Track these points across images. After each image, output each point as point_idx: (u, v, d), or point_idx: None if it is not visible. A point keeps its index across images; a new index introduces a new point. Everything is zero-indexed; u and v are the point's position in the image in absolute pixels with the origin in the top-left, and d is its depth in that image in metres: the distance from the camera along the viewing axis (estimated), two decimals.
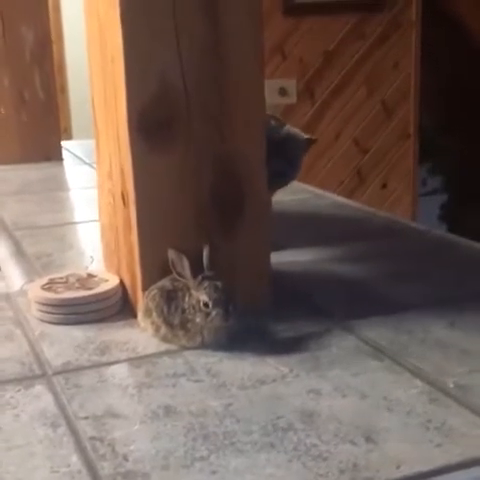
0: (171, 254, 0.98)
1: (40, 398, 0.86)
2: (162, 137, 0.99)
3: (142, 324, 1.02)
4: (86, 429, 0.79)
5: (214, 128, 1.01)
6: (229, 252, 1.04)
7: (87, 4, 1.10)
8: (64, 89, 4.54)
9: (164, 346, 0.98)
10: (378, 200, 3.53)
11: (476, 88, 3.69)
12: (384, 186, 3.61)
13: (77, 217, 1.71)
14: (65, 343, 1.01)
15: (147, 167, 1.00)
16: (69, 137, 4.28)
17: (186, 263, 0.96)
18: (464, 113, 3.75)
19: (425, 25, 3.46)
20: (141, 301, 1.03)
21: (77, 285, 1.12)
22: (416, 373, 0.89)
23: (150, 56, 0.96)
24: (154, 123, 0.98)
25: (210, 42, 0.98)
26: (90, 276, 1.15)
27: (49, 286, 1.12)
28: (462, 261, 1.31)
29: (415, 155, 3.62)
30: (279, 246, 1.26)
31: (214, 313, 0.94)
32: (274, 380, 0.89)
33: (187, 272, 0.96)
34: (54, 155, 2.30)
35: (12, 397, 0.87)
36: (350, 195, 3.37)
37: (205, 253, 0.98)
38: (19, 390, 0.88)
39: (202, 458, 0.74)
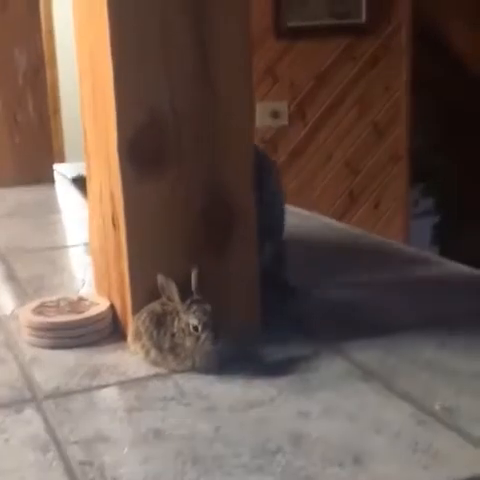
0: (160, 279, 0.98)
1: (30, 423, 0.87)
2: (152, 165, 1.00)
3: (132, 347, 1.03)
4: (76, 453, 0.80)
5: (204, 155, 1.02)
6: (218, 275, 1.05)
7: (78, 33, 1.11)
8: (57, 110, 4.56)
9: (154, 369, 0.99)
10: (370, 221, 3.54)
11: (468, 109, 3.72)
12: (376, 207, 3.62)
13: (69, 240, 1.72)
14: (55, 367, 1.01)
15: (137, 193, 1.01)
16: (62, 158, 4.29)
17: (174, 287, 0.97)
18: (456, 134, 3.77)
19: (416, 47, 3.50)
20: (131, 325, 1.03)
21: (68, 309, 1.12)
22: (404, 396, 0.90)
23: (140, 85, 0.97)
24: (144, 151, 0.99)
25: (199, 71, 0.99)
26: (81, 300, 1.15)
27: (40, 310, 1.12)
28: (451, 282, 1.31)
29: (407, 176, 3.64)
30: None
31: (203, 336, 0.95)
32: (263, 403, 0.89)
33: (176, 296, 0.97)
34: (46, 178, 2.31)
35: (2, 422, 0.87)
36: (342, 216, 3.39)
37: (193, 276, 0.98)
38: (9, 415, 0.89)
39: None
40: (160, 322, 0.98)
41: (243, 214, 1.05)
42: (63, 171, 2.46)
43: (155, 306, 1.00)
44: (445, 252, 2.77)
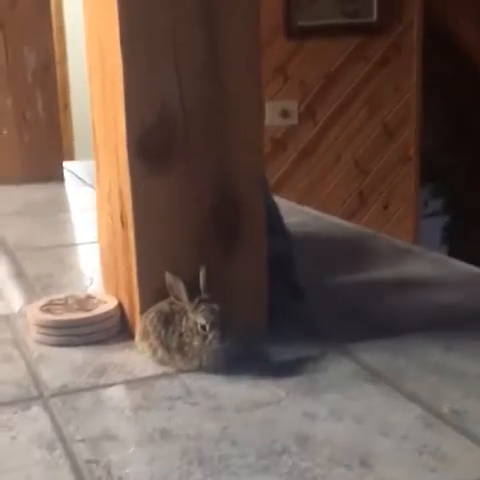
0: (168, 277, 0.98)
1: (37, 420, 0.87)
2: (161, 161, 1.00)
3: (139, 346, 1.03)
4: (82, 452, 0.80)
5: (213, 152, 1.01)
6: (226, 274, 1.05)
7: (88, 28, 1.11)
8: (67, 105, 4.56)
9: (161, 368, 0.99)
10: (379, 222, 3.54)
11: (477, 109, 3.71)
12: (385, 207, 3.62)
13: (78, 238, 1.72)
14: (63, 365, 1.01)
15: (146, 190, 1.01)
16: (72, 154, 4.30)
17: (182, 286, 0.97)
18: (466, 134, 3.76)
19: (426, 47, 3.49)
20: (139, 323, 1.03)
21: (76, 307, 1.12)
22: (412, 398, 0.89)
23: (149, 81, 0.97)
24: (153, 147, 0.99)
25: (209, 67, 0.99)
26: (89, 298, 1.15)
27: (48, 308, 1.12)
28: (459, 282, 1.31)
29: (416, 177, 3.63)
30: None
31: (211, 336, 0.95)
32: (270, 403, 0.89)
33: (183, 295, 0.97)
34: (56, 175, 2.31)
35: (9, 419, 0.87)
36: (351, 216, 3.38)
37: (202, 275, 0.98)
38: (16, 412, 0.89)
39: None
40: (168, 321, 0.98)
41: (251, 214, 1.05)
42: (72, 169, 2.46)
43: (163, 305, 1.00)
44: (454, 252, 2.75)
